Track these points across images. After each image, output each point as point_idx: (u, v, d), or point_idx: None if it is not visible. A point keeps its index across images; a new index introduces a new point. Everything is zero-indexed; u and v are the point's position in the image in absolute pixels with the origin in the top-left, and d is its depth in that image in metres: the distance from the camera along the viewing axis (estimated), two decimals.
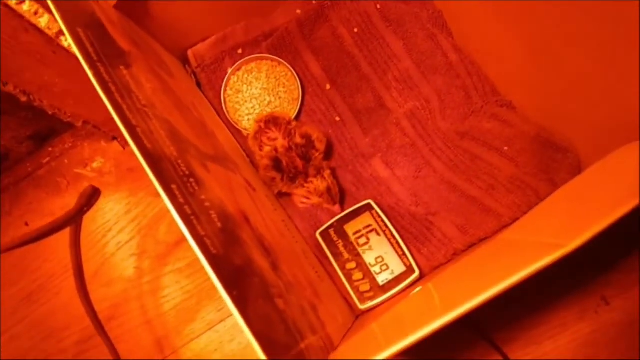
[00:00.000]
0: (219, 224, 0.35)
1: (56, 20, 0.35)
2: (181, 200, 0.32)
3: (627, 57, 0.44)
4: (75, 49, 0.33)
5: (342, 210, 0.64)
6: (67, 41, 0.47)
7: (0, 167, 0.74)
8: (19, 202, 0.76)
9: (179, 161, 0.36)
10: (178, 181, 0.34)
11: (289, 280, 0.42)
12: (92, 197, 0.72)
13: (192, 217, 0.32)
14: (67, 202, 0.74)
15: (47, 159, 0.76)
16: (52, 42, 0.48)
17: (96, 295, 0.71)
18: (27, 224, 0.75)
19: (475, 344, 0.65)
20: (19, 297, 0.74)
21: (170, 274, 0.72)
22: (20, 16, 0.44)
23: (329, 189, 0.62)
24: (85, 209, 0.72)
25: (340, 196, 0.65)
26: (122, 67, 0.38)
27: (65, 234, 0.71)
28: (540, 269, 0.28)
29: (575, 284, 0.66)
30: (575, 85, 0.53)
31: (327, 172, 0.63)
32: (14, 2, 0.44)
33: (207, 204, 0.35)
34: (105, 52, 0.37)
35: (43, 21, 0.45)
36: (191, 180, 0.36)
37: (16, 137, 0.70)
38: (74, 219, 0.71)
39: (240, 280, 0.33)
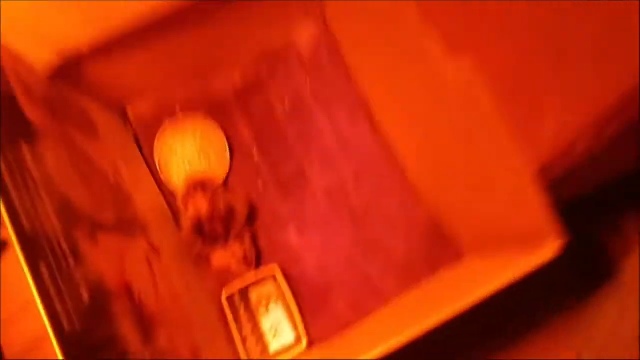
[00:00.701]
0: (87, 300, 0.39)
1: None
2: (47, 277, 0.36)
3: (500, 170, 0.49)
4: None
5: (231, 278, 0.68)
6: None
7: None
8: None
9: (61, 239, 0.40)
10: (50, 259, 0.37)
11: (163, 346, 0.46)
12: None
13: (54, 296, 0.35)
14: None
15: None
16: None
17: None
18: None
19: None
20: None
21: None
22: None
23: (245, 257, 0.66)
24: None
25: (256, 262, 0.69)
26: (22, 142, 0.42)
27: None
28: None
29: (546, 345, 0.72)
30: (462, 191, 0.58)
31: (246, 241, 0.67)
32: None
33: (78, 281, 0.39)
34: (7, 128, 0.41)
35: None
36: (69, 258, 0.39)
37: None
38: None
39: (97, 352, 0.36)
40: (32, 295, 0.70)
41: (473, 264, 0.60)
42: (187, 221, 0.66)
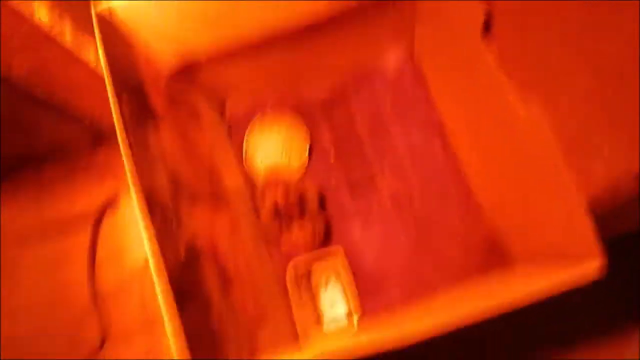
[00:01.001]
0: (183, 256, 0.49)
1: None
2: (156, 231, 0.46)
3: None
4: (114, 112, 0.48)
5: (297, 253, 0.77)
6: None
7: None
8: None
9: (169, 205, 0.50)
10: (159, 218, 0.48)
11: (236, 306, 0.55)
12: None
13: (163, 248, 0.46)
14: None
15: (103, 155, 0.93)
16: None
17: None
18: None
19: None
20: None
21: None
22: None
23: (313, 241, 0.75)
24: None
25: (322, 244, 0.78)
26: (149, 127, 0.53)
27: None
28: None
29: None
30: (521, 210, 0.64)
31: (319, 225, 0.76)
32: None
33: (180, 238, 0.49)
34: (139, 114, 0.52)
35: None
36: (173, 220, 0.50)
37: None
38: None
39: (186, 296, 0.46)
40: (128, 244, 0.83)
41: (521, 272, 0.65)
42: (264, 208, 0.76)
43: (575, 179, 0.49)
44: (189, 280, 0.48)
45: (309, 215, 0.76)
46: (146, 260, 0.83)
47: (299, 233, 0.76)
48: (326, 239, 0.79)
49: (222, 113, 0.87)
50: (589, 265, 0.46)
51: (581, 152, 0.52)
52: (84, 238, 0.88)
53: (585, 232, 0.47)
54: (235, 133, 0.86)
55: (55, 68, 0.68)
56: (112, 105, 0.48)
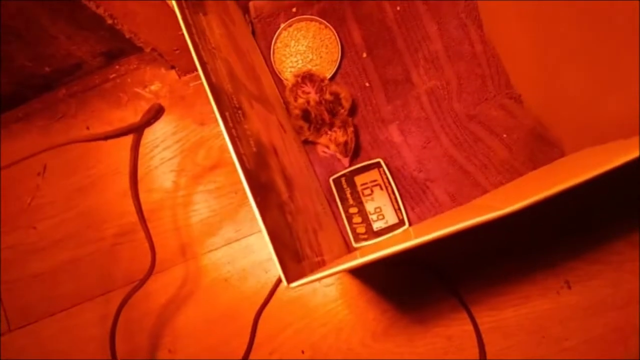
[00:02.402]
0: (254, 149, 0.46)
1: None
2: (230, 124, 0.43)
3: (616, 77, 0.53)
4: None
5: (351, 164, 0.75)
6: None
7: (74, 74, 0.86)
8: (84, 109, 0.88)
9: (233, 96, 0.47)
10: (230, 110, 0.44)
11: (299, 205, 0.53)
12: (158, 112, 0.84)
13: (236, 139, 0.43)
14: (124, 115, 0.86)
15: (114, 75, 0.87)
16: None
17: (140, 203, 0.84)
18: (88, 128, 0.87)
19: (446, 301, 0.76)
20: (71, 189, 0.86)
21: (201, 193, 0.83)
22: None
23: (346, 143, 0.72)
24: (152, 120, 0.84)
25: (354, 152, 0.75)
26: (200, 14, 0.49)
27: (119, 143, 0.84)
28: (478, 223, 0.37)
29: (545, 264, 0.76)
30: (569, 93, 0.61)
31: (350, 129, 0.73)
32: None
33: (248, 132, 0.46)
34: (191, 3, 0.48)
35: None
36: (239, 112, 0.47)
37: (91, 52, 0.81)
38: (138, 129, 0.82)
39: (263, 192, 0.43)
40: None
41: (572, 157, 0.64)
42: (295, 109, 0.73)
43: None
44: (263, 174, 0.46)
45: (339, 120, 0.73)
46: (174, 183, 0.83)
47: (329, 139, 0.73)
48: (357, 144, 0.76)
49: (246, 13, 0.81)
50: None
51: None
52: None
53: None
54: (260, 35, 0.81)
55: None
56: None
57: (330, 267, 0.41)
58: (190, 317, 0.80)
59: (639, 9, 0.45)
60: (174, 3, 0.44)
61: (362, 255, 0.39)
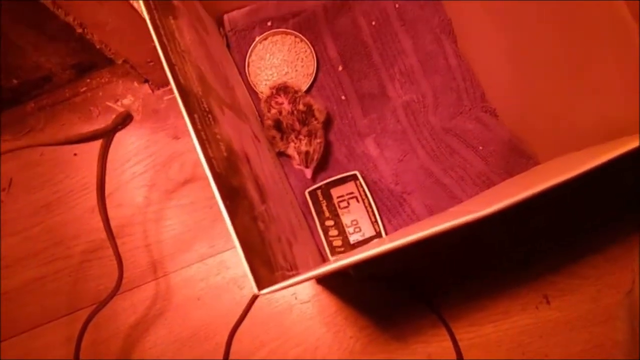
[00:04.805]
0: (225, 154, 0.44)
1: None
2: (199, 127, 0.42)
3: (586, 88, 0.53)
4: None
5: (318, 178, 0.74)
6: None
7: (43, 87, 0.84)
8: (53, 122, 0.85)
9: (202, 99, 0.45)
10: (199, 113, 0.43)
11: (272, 214, 0.52)
12: (125, 119, 0.82)
13: (206, 142, 0.41)
14: (94, 129, 0.84)
15: (85, 88, 0.85)
16: None
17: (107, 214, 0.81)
18: None
19: (426, 317, 0.74)
20: (38, 204, 0.83)
21: (174, 208, 0.81)
22: None
23: (307, 153, 0.70)
24: (120, 127, 0.82)
25: (322, 166, 0.74)
26: (170, 17, 0.48)
27: (89, 158, 0.81)
28: (454, 227, 0.36)
29: (524, 280, 0.75)
30: (543, 106, 0.62)
31: (317, 140, 0.71)
32: None
33: (218, 136, 0.45)
34: (160, 5, 0.47)
35: None
36: (209, 115, 0.45)
37: (62, 64, 0.79)
38: (108, 133, 0.80)
39: (233, 196, 0.42)
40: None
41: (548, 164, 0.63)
42: (267, 120, 0.71)
43: None
44: (234, 179, 0.44)
45: (308, 129, 0.71)
46: (145, 198, 0.80)
47: (295, 147, 0.71)
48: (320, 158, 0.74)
49: (220, 26, 0.80)
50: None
51: None
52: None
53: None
54: (235, 48, 0.80)
55: None
56: None
57: (303, 274, 0.39)
58: (160, 337, 0.77)
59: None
60: (141, 3, 0.42)
61: (335, 262, 0.38)
